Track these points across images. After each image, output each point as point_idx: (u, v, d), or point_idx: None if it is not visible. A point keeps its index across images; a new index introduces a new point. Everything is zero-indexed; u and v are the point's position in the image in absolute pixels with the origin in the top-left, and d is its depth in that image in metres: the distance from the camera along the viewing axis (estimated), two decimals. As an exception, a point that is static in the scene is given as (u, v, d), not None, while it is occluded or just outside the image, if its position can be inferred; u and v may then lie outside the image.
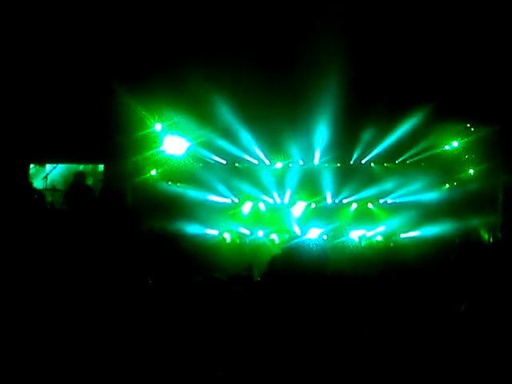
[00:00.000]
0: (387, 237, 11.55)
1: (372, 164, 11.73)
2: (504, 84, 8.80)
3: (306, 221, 11.71)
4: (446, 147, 11.05)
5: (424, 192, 11.05)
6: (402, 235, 11.43)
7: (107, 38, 9.13)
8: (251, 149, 11.26)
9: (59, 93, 9.69)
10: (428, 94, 9.43)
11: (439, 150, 11.08)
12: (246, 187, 11.62)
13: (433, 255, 9.72)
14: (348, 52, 8.58)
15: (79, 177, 10.31)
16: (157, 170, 11.02)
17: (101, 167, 10.89)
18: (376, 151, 11.22)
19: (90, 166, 11.11)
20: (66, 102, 9.74)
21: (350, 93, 9.48)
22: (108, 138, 10.04)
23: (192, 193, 11.15)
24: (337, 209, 11.79)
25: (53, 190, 10.21)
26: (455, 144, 10.92)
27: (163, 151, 10.69)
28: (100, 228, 9.54)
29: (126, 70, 9.53)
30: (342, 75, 9.01)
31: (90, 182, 10.49)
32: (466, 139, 10.75)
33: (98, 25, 8.98)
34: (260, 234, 11.60)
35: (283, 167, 11.83)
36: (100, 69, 9.40)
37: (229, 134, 10.74)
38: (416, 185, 11.11)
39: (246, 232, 11.71)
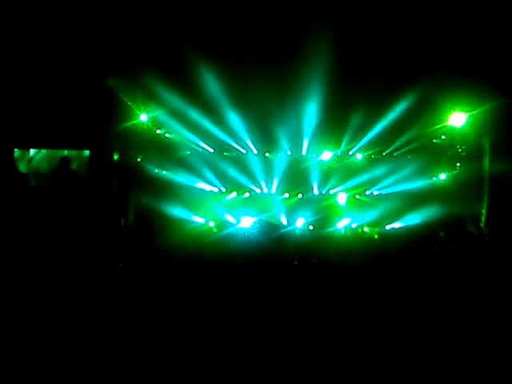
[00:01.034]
0: (372, 228, 11.61)
1: (359, 155, 11.76)
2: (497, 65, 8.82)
3: (292, 211, 11.73)
4: (434, 140, 11.12)
5: (410, 183, 11.12)
6: (388, 226, 11.49)
7: (94, 27, 9.03)
8: (239, 137, 11.22)
9: (45, 79, 9.58)
10: (415, 83, 9.47)
11: (426, 143, 11.15)
12: (233, 176, 11.59)
13: (417, 247, 9.79)
14: (337, 37, 8.56)
15: (64, 162, 10.21)
16: (144, 155, 10.94)
17: (86, 152, 10.77)
18: (363, 143, 11.25)
19: (74, 151, 10.98)
20: (51, 88, 9.64)
21: (338, 84, 9.49)
22: (94, 124, 9.94)
23: (179, 179, 11.12)
24: (323, 199, 11.83)
25: (36, 174, 10.07)
26: (443, 137, 10.99)
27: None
28: (83, 213, 9.47)
29: (113, 57, 9.44)
30: (330, 62, 9.01)
31: (74, 166, 10.38)
32: (453, 131, 10.80)
33: (84, 13, 8.89)
34: (248, 223, 11.57)
35: (271, 157, 11.81)
36: (87, 55, 9.31)
37: (217, 122, 10.70)
38: (402, 176, 11.18)
39: (233, 221, 11.68)
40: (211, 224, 11.61)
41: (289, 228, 11.41)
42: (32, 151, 10.76)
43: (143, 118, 10.42)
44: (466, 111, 9.95)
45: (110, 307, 5.76)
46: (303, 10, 8.74)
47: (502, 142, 9.56)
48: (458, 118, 10.18)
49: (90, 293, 6.21)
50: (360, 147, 11.47)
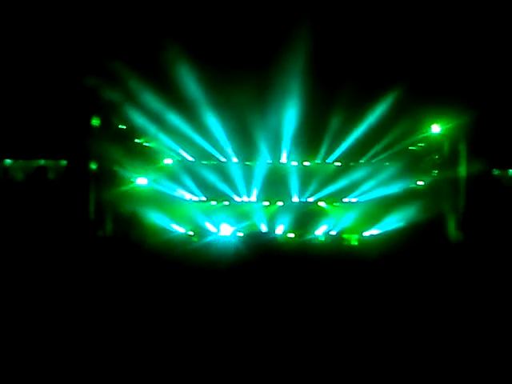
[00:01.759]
0: (351, 235, 11.69)
1: (337, 163, 11.85)
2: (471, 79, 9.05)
3: (272, 218, 11.76)
4: (411, 147, 11.29)
5: (388, 189, 11.27)
6: (367, 233, 11.61)
7: (68, 35, 8.97)
8: (219, 146, 11.23)
9: (20, 90, 9.45)
10: (392, 93, 9.65)
11: (404, 149, 11.32)
12: (213, 184, 11.56)
13: (396, 252, 9.90)
14: (315, 46, 8.68)
15: (40, 171, 10.07)
16: (122, 164, 10.84)
17: (63, 161, 10.62)
18: (341, 150, 11.35)
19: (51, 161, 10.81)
20: (27, 99, 9.51)
21: (317, 93, 9.61)
22: (71, 134, 9.84)
23: (158, 187, 11.05)
24: (303, 207, 11.89)
25: (12, 182, 9.91)
26: (420, 144, 11.19)
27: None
28: (59, 223, 9.34)
29: (89, 64, 9.37)
30: (308, 72, 9.13)
31: (51, 176, 10.23)
32: (430, 139, 11.00)
33: (64, 21, 8.82)
34: (228, 231, 11.55)
35: (251, 165, 11.82)
36: (63, 67, 9.24)
37: (196, 131, 10.70)
38: (380, 183, 11.33)
39: (213, 229, 11.63)
40: (191, 233, 11.52)
41: (270, 236, 11.42)
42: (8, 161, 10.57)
43: (122, 127, 10.35)
44: (441, 122, 10.20)
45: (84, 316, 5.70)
46: (280, 19, 8.85)
47: (477, 148, 9.76)
48: (434, 127, 10.40)
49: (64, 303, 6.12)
50: (339, 155, 11.58)
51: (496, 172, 10.50)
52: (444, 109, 9.84)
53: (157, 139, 10.90)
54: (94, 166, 10.36)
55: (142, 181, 11.21)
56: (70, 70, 9.34)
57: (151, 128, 10.49)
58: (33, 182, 9.89)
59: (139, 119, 10.24)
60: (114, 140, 10.43)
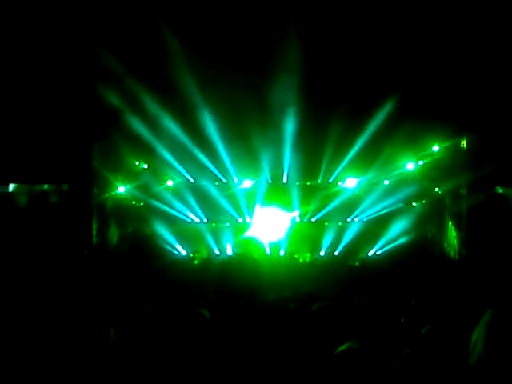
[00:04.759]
0: (351, 255, 11.57)
1: (339, 183, 11.85)
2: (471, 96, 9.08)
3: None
4: (409, 167, 11.23)
5: (390, 209, 11.24)
6: (370, 253, 11.54)
7: (70, 61, 9.09)
8: (220, 167, 11.27)
9: (24, 115, 9.53)
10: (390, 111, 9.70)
11: (402, 170, 11.32)
12: (215, 206, 11.57)
13: (399, 270, 9.81)
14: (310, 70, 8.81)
15: (43, 196, 10.13)
16: (125, 187, 10.90)
17: (65, 185, 10.68)
18: (340, 170, 11.36)
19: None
20: (31, 123, 9.58)
21: (313, 116, 9.73)
22: (73, 158, 9.90)
23: (160, 210, 11.07)
24: (306, 227, 11.87)
25: (15, 207, 9.98)
26: (420, 163, 11.17)
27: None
28: (60, 246, 9.36)
29: (92, 87, 9.47)
30: (303, 96, 9.26)
31: (54, 199, 10.29)
32: (429, 158, 10.99)
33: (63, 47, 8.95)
34: (229, 251, 11.53)
35: (252, 185, 11.83)
36: (66, 93, 9.35)
37: (195, 152, 10.77)
38: (383, 202, 11.30)
39: (216, 252, 11.61)
40: (193, 255, 11.49)
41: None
42: (11, 185, 10.66)
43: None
44: (443, 140, 10.24)
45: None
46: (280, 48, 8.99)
47: (480, 164, 9.69)
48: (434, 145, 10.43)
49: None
50: (337, 175, 11.59)
51: (500, 190, 10.43)
52: (445, 125, 9.85)
53: (158, 159, 10.94)
54: (96, 190, 10.41)
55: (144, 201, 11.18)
56: (71, 95, 9.44)
57: (152, 148, 10.56)
58: (35, 206, 9.95)
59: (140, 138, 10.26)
60: (116, 160, 10.52)
